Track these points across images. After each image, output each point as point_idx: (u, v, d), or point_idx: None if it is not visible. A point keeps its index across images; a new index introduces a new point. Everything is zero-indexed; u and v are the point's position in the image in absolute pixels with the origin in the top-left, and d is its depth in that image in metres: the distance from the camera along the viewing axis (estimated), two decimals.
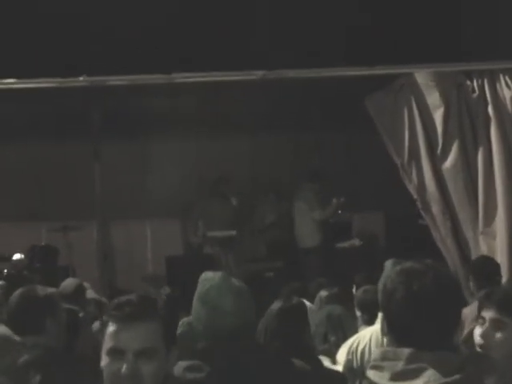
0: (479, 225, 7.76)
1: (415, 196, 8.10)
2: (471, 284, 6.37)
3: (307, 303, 5.51)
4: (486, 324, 3.50)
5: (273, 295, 5.56)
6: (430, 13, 9.18)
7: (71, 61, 8.39)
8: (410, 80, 8.12)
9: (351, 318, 5.97)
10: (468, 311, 4.77)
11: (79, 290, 6.87)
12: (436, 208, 8.00)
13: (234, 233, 11.65)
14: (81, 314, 5.91)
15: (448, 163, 7.94)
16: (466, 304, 4.97)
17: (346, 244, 11.41)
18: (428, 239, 8.17)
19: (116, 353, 2.68)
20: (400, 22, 8.90)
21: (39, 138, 12.13)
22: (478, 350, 3.48)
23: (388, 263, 5.29)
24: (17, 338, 4.05)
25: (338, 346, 5.31)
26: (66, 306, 4.75)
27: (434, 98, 8.03)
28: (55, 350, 4.21)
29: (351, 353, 4.87)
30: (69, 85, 8.37)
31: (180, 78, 8.33)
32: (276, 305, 4.32)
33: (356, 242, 11.43)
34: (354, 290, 6.70)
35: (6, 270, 10.57)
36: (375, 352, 2.68)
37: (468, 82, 8.02)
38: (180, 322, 4.47)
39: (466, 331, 4.58)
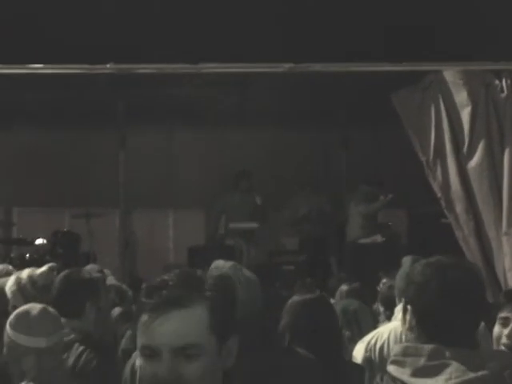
0: (503, 225, 7.71)
1: (439, 194, 8.04)
2: None
3: None
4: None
5: (290, 288, 5.56)
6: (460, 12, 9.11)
7: (99, 48, 8.39)
8: (438, 78, 8.07)
9: (369, 313, 5.95)
10: None
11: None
12: (460, 207, 7.94)
13: (255, 225, 11.66)
14: None
15: (473, 162, 7.88)
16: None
17: (368, 240, 11.40)
18: (450, 238, 8.13)
19: (150, 352, 2.12)
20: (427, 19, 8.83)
21: (65, 124, 12.19)
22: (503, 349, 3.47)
23: (406, 259, 5.28)
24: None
25: (353, 341, 5.28)
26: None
27: (461, 97, 7.97)
28: (90, 335, 4.23)
29: (369, 349, 4.85)
30: (95, 71, 8.38)
31: (207, 68, 8.32)
32: (298, 297, 4.31)
33: (378, 238, 11.42)
34: (380, 286, 6.71)
35: (28, 255, 10.65)
36: (396, 347, 2.66)
37: (497, 82, 7.96)
38: None
39: None
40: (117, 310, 6.02)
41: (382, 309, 5.87)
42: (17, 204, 13.10)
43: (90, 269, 6.96)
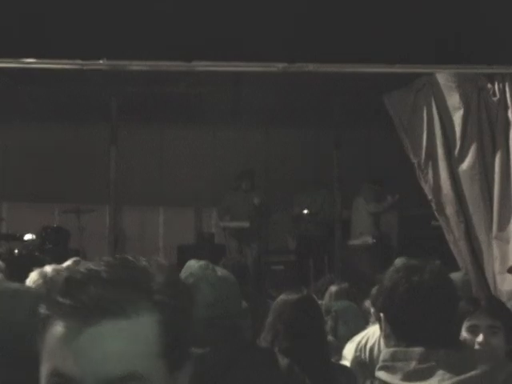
0: (493, 228, 7.72)
1: (430, 197, 8.05)
2: None
3: None
4: (482, 331, 3.52)
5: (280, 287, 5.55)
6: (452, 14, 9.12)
7: (92, 44, 8.38)
8: (430, 80, 8.08)
9: (358, 314, 5.96)
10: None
11: None
12: (450, 210, 7.95)
13: (247, 224, 11.66)
14: None
15: (465, 165, 7.89)
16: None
17: (358, 241, 11.41)
18: (441, 240, 8.14)
19: (64, 382, 1.34)
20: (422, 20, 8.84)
21: (56, 120, 12.16)
22: None
23: (399, 261, 5.27)
24: None
25: (343, 341, 5.28)
26: None
27: (454, 100, 7.98)
28: None
29: (359, 349, 4.85)
30: (88, 67, 8.36)
31: (200, 66, 8.32)
32: (285, 296, 4.30)
33: (369, 239, 11.44)
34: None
35: (16, 250, 10.61)
36: (384, 352, 2.63)
37: (489, 85, 7.97)
38: None
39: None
40: None
41: (372, 310, 5.88)
42: (5, 199, 13.06)
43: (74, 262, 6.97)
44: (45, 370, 1.37)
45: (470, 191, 7.84)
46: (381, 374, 2.57)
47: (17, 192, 12.67)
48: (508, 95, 7.91)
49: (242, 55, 8.04)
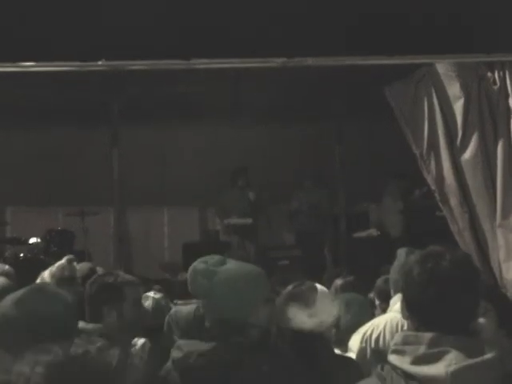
0: (497, 217, 7.70)
1: (433, 187, 8.04)
2: None
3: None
4: None
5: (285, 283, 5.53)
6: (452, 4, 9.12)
7: (91, 46, 8.38)
8: (430, 70, 8.06)
9: (364, 305, 5.94)
10: None
11: (91, 274, 6.88)
12: (454, 200, 7.93)
13: (249, 221, 11.67)
14: None
15: (467, 155, 7.87)
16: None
17: (363, 234, 11.42)
18: (446, 231, 8.13)
19: None
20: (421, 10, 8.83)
21: (58, 122, 12.17)
22: None
23: (401, 251, 5.28)
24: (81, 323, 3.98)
25: (349, 333, 5.27)
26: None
27: (454, 89, 7.96)
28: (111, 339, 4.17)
29: (365, 341, 4.85)
30: (88, 69, 8.35)
31: (199, 64, 8.30)
32: (288, 289, 4.29)
33: (373, 232, 11.44)
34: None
35: (22, 254, 10.63)
36: (396, 336, 2.67)
37: (489, 74, 7.95)
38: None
39: None
40: None
41: (377, 302, 5.89)
42: (10, 203, 13.08)
43: (82, 267, 6.97)
44: None
45: (473, 180, 7.82)
46: (392, 358, 2.59)
47: (21, 196, 12.68)
48: (508, 83, 7.88)
49: (241, 51, 8.02)
